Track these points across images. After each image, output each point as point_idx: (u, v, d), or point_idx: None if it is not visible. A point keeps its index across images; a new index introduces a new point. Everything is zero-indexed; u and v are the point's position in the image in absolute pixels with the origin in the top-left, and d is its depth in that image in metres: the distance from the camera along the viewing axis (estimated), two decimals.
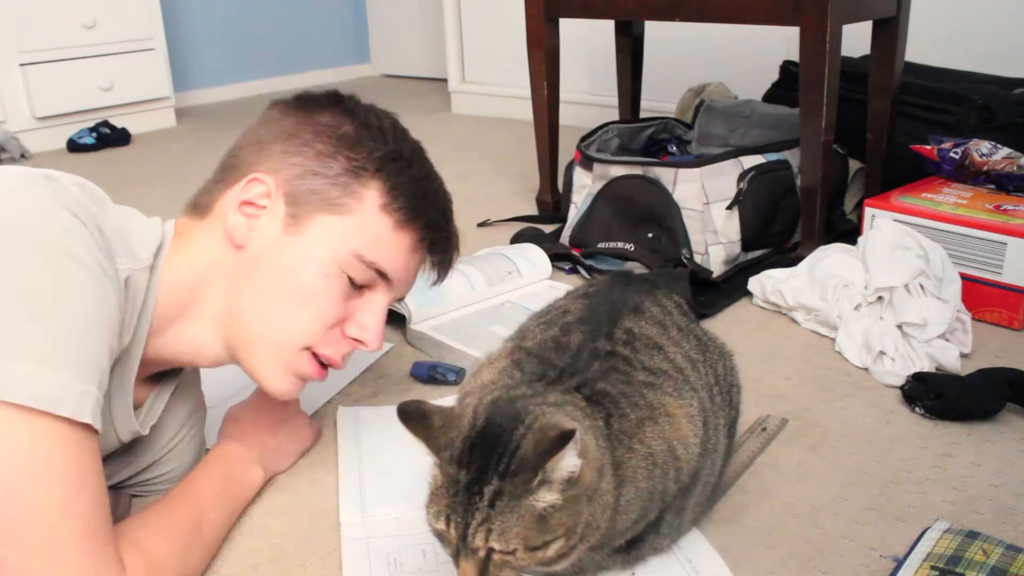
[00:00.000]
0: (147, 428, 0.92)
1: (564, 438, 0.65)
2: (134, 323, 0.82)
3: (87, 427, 0.70)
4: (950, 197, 1.52)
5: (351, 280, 0.88)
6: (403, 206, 0.89)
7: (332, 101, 0.92)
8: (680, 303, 0.94)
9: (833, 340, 1.36)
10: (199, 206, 0.92)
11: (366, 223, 0.88)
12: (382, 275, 0.90)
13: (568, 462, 0.67)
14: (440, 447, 0.71)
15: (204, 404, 1.07)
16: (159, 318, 0.85)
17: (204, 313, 0.88)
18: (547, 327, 0.87)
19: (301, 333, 0.88)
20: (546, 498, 0.67)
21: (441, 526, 0.69)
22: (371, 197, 0.88)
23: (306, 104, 0.92)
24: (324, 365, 0.92)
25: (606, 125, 1.92)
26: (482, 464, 0.68)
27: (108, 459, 0.92)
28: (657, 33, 2.38)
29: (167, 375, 0.96)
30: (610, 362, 0.81)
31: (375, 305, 0.91)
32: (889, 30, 1.74)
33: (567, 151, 1.99)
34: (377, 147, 0.89)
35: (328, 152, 0.88)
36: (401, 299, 1.02)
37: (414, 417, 0.72)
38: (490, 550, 0.68)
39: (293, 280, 0.87)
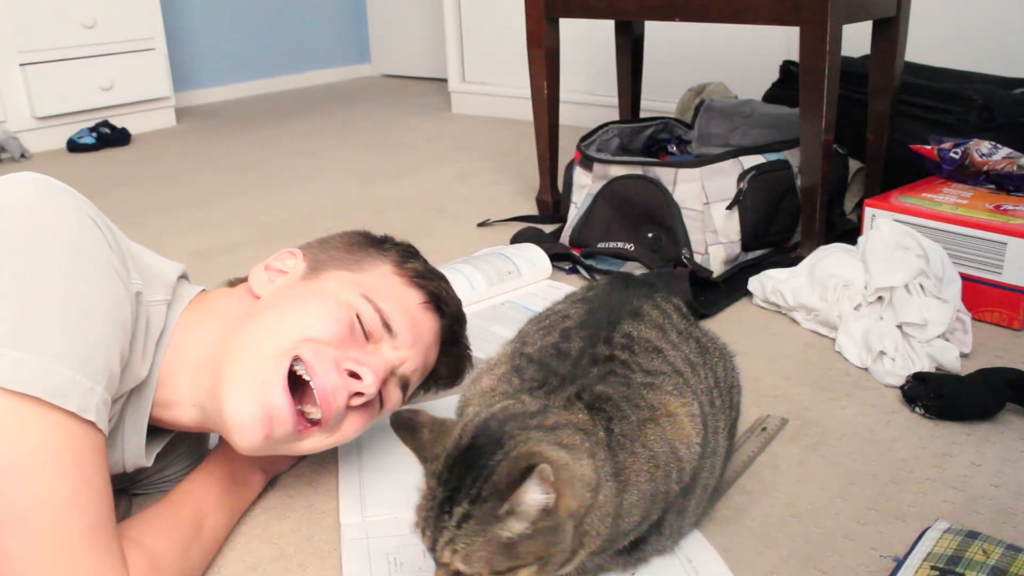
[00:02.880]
0: (152, 460, 0.91)
1: (530, 470, 0.64)
2: (151, 352, 0.83)
3: (92, 425, 0.70)
4: (950, 197, 1.52)
5: (359, 320, 0.87)
6: (414, 271, 0.96)
7: (364, 232, 1.03)
8: (679, 306, 0.93)
9: (833, 340, 1.36)
10: (231, 282, 0.98)
11: (378, 276, 0.93)
12: (387, 327, 0.89)
13: (533, 496, 0.65)
14: (427, 459, 0.73)
15: None
16: (168, 362, 0.85)
17: (194, 363, 0.84)
18: (547, 332, 0.87)
19: (289, 330, 0.83)
20: (514, 527, 0.66)
21: (418, 536, 0.71)
22: (384, 264, 0.95)
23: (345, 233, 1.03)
24: (309, 420, 0.84)
25: (606, 125, 1.92)
26: (457, 484, 0.68)
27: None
28: (657, 33, 2.38)
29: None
30: (608, 366, 0.81)
31: (377, 352, 0.88)
32: (889, 30, 1.74)
33: (567, 151, 1.99)
34: (399, 248, 0.99)
35: (354, 242, 0.98)
36: (405, 388, 0.92)
37: (405, 427, 0.75)
38: (461, 572, 0.68)
39: (299, 298, 0.88)
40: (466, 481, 0.68)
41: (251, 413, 0.80)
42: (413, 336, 0.91)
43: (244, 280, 0.96)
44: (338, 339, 0.85)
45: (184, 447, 1.01)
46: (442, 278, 1.00)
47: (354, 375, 0.84)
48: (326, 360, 0.83)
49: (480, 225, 2.01)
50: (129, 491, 1.01)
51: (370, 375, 0.84)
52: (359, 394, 0.85)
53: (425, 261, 1.00)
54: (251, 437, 0.81)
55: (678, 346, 0.86)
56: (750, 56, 2.57)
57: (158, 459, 0.95)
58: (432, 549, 0.69)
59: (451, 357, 1.00)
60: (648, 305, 0.88)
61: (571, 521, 0.69)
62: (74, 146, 3.00)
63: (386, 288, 0.92)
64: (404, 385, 0.92)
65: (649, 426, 0.77)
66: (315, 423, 0.84)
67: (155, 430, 0.91)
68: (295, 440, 0.85)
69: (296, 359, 0.82)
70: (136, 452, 0.87)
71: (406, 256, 0.98)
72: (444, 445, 0.72)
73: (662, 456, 0.77)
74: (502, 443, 0.69)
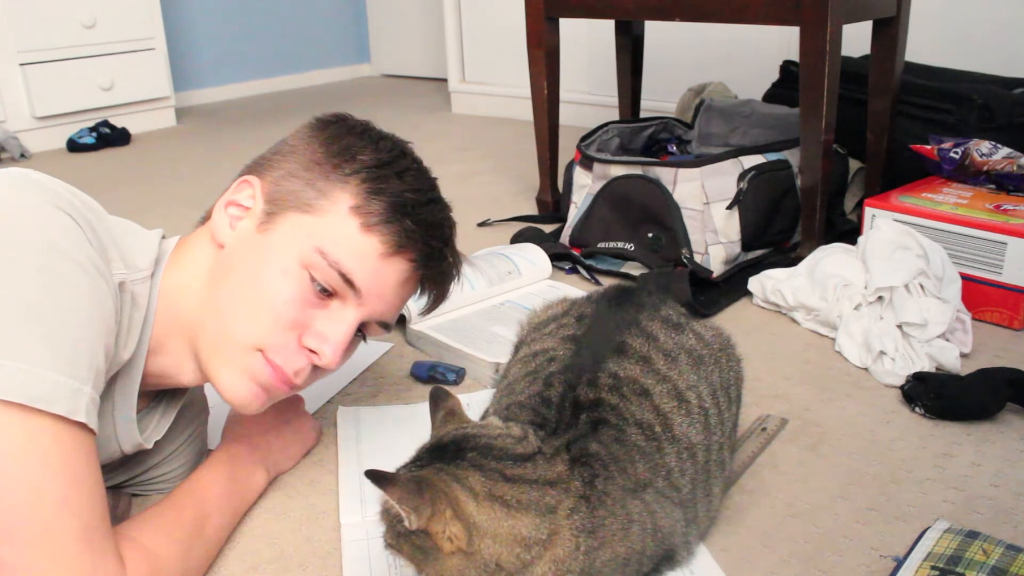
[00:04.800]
0: (151, 443, 0.91)
1: (388, 497, 0.68)
2: (136, 335, 0.82)
3: (82, 426, 0.70)
4: (950, 197, 1.52)
5: (314, 281, 0.84)
6: (375, 211, 0.85)
7: (341, 118, 0.93)
8: (667, 317, 0.90)
9: (833, 340, 1.36)
10: (204, 216, 0.93)
11: (333, 223, 0.85)
12: (348, 283, 0.84)
13: (393, 511, 0.70)
14: (432, 435, 0.80)
15: (207, 404, 1.07)
16: (158, 331, 0.84)
17: (183, 323, 0.85)
18: (533, 380, 0.86)
19: (251, 330, 0.83)
20: (402, 523, 0.70)
21: None
22: (343, 199, 0.85)
23: (319, 122, 0.93)
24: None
25: (606, 125, 1.92)
26: (416, 459, 0.75)
27: (108, 464, 0.92)
28: (657, 33, 2.38)
29: (175, 390, 0.95)
30: (598, 412, 0.80)
31: (339, 317, 0.85)
32: (889, 30, 1.74)
33: (567, 151, 1.99)
34: (365, 155, 0.88)
35: (317, 159, 0.88)
36: (387, 326, 0.91)
37: (435, 403, 0.82)
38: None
39: (253, 275, 0.84)
40: (417, 463, 0.74)
41: (247, 388, 0.84)
42: (377, 288, 0.86)
43: (208, 213, 0.93)
44: (295, 319, 0.84)
45: (187, 447, 1.01)
46: (418, 204, 0.88)
47: (312, 351, 0.85)
48: (288, 348, 0.84)
49: (480, 225, 2.01)
50: (129, 491, 1.01)
51: (328, 352, 0.84)
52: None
53: (401, 175, 0.88)
54: (251, 407, 0.86)
55: (666, 376, 0.84)
56: (750, 56, 2.57)
57: (159, 448, 0.95)
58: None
59: (431, 279, 0.93)
60: (633, 334, 0.86)
61: (460, 559, 0.69)
62: (74, 146, 3.00)
63: (342, 236, 0.84)
64: (384, 324, 0.90)
65: (632, 497, 0.77)
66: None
67: (151, 415, 0.92)
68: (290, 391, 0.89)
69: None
70: (128, 427, 0.86)
71: (370, 190, 0.86)
72: (437, 433, 0.79)
73: (639, 524, 0.77)
74: (459, 458, 0.73)
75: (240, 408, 0.86)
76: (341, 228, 0.85)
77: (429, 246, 0.88)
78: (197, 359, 0.86)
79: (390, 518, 0.72)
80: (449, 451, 0.74)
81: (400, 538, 0.71)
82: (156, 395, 0.93)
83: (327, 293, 0.85)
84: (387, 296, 0.88)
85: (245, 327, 0.83)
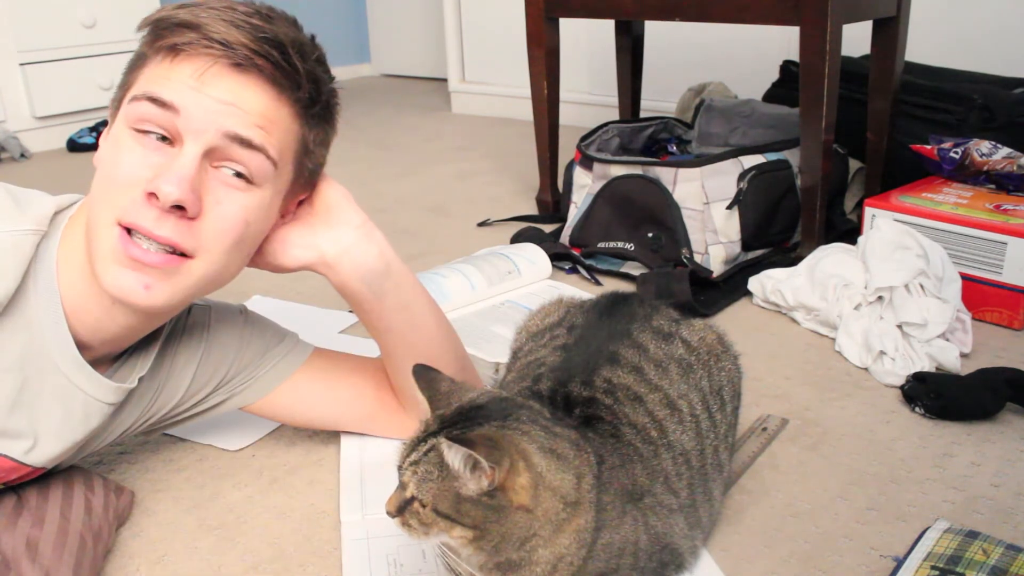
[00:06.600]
0: (136, 380, 0.90)
1: (473, 453, 0.67)
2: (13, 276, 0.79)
3: None
4: (950, 197, 1.52)
5: (140, 132, 0.79)
6: (163, 37, 0.80)
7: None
8: (658, 327, 0.90)
9: (833, 340, 1.36)
10: None
11: (142, 76, 0.81)
12: (161, 104, 0.78)
13: (472, 475, 0.68)
14: (439, 406, 0.77)
15: (211, 312, 1.02)
16: (67, 290, 0.82)
17: (84, 267, 0.83)
18: (520, 379, 0.88)
19: (104, 208, 0.79)
20: (463, 487, 0.69)
21: (397, 458, 0.74)
22: (147, 55, 0.82)
23: None
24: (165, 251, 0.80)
25: (606, 125, 1.92)
26: (450, 425, 0.72)
27: (128, 407, 0.93)
28: (657, 33, 2.38)
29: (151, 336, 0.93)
30: (592, 409, 0.81)
31: (175, 153, 0.79)
32: (889, 30, 1.74)
33: (567, 151, 1.99)
34: (152, 24, 0.83)
35: (138, 49, 0.84)
36: (249, 143, 0.80)
37: (425, 378, 0.79)
38: (412, 496, 0.71)
39: (101, 169, 0.82)
40: (456, 424, 0.72)
41: (121, 274, 0.79)
42: (194, 98, 0.78)
43: None
44: (133, 176, 0.78)
45: (200, 361, 0.99)
46: (204, 17, 0.80)
47: (153, 195, 0.77)
48: (135, 205, 0.78)
49: (480, 225, 2.01)
50: (168, 428, 1.03)
51: (164, 184, 0.76)
52: (178, 206, 0.77)
53: (185, 5, 0.81)
54: (139, 293, 0.79)
55: (657, 385, 0.85)
56: (750, 56, 2.57)
57: (173, 383, 0.96)
58: (400, 467, 0.73)
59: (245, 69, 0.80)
60: (625, 346, 0.87)
61: (522, 515, 0.69)
62: (74, 146, 3.00)
63: (150, 74, 0.81)
64: (248, 143, 0.80)
65: (629, 499, 0.78)
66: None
67: (127, 361, 0.91)
68: (219, 261, 0.83)
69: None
70: (93, 390, 0.86)
71: (159, 26, 0.81)
72: (458, 400, 0.76)
73: (632, 516, 0.77)
74: (507, 415, 0.73)
75: (134, 301, 0.80)
76: (151, 70, 0.81)
77: (214, 38, 0.79)
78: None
79: (443, 488, 0.69)
80: (494, 411, 0.73)
81: (462, 504, 0.69)
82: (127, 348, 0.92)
83: (160, 138, 0.79)
84: (210, 104, 0.79)
85: (100, 209, 0.79)
